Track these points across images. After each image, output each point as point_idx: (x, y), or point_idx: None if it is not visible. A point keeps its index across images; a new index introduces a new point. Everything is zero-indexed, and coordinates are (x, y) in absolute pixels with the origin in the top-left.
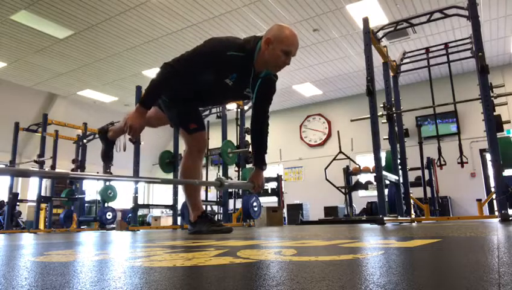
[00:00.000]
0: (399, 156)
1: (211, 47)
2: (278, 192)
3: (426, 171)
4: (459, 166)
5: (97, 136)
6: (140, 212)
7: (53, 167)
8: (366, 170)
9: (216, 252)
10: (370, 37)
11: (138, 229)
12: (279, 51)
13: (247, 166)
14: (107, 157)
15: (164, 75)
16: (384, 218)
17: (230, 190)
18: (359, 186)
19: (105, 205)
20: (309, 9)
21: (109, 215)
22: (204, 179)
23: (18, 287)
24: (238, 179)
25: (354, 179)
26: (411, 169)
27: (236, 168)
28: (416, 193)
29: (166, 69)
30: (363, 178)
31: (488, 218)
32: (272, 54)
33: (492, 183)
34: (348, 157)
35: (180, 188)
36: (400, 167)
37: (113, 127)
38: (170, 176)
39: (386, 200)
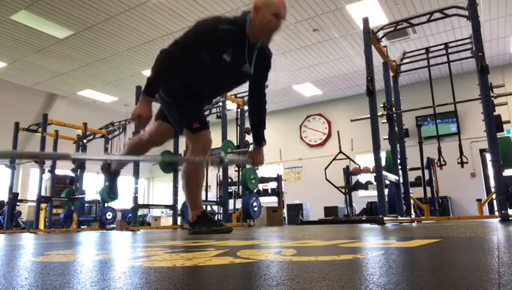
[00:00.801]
0: (399, 156)
1: (204, 25)
2: (278, 192)
3: (426, 171)
4: (459, 166)
5: (101, 169)
6: (140, 212)
7: (53, 166)
8: (366, 170)
9: (216, 252)
10: (370, 37)
11: (138, 229)
12: (269, 15)
13: (247, 166)
14: (113, 191)
15: (163, 61)
16: (384, 218)
17: (230, 190)
18: (359, 186)
19: (105, 205)
20: (309, 9)
21: (109, 215)
22: (204, 179)
23: (18, 287)
24: (238, 180)
25: (354, 179)
26: (411, 169)
27: (236, 168)
28: (416, 193)
29: (163, 54)
30: (363, 178)
31: (488, 218)
32: (262, 19)
33: (492, 183)
34: (348, 157)
35: (180, 188)
36: (400, 167)
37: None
38: (170, 176)
39: (386, 200)
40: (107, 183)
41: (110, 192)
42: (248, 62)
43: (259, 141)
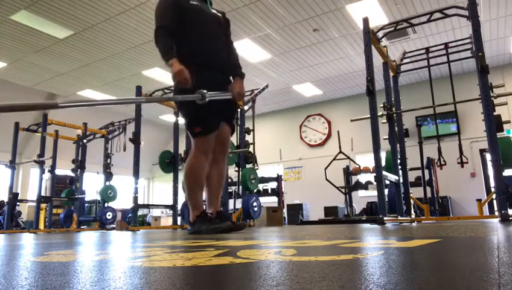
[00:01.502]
0: (399, 156)
1: None
2: (278, 192)
3: (426, 171)
4: (459, 166)
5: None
6: (140, 212)
7: (53, 167)
8: (366, 170)
9: (216, 252)
10: (370, 37)
11: (138, 229)
12: None
13: (247, 166)
14: (228, 226)
15: (160, 35)
16: (384, 218)
17: (230, 190)
18: (359, 186)
19: (105, 205)
20: (309, 9)
21: (109, 215)
22: (205, 180)
23: (18, 287)
24: (238, 180)
25: (354, 179)
26: (411, 169)
27: (236, 168)
28: (416, 193)
29: (157, 33)
30: (363, 178)
31: (488, 218)
32: None
33: (492, 183)
34: (348, 157)
35: (181, 187)
36: (400, 167)
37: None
38: (170, 176)
39: (386, 200)
40: (218, 229)
41: (227, 229)
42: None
43: (238, 72)
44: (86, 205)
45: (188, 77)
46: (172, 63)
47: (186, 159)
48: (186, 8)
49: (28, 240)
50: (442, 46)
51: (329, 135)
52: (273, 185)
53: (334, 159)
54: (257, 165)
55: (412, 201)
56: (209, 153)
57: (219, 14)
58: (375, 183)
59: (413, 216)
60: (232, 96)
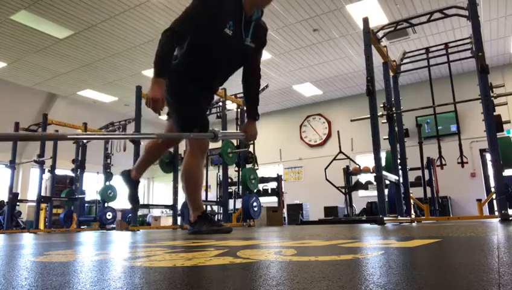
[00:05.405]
0: (399, 156)
1: None
2: (278, 192)
3: (426, 171)
4: (459, 166)
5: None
6: (140, 212)
7: (53, 167)
8: (366, 170)
9: (216, 252)
10: (370, 37)
11: (138, 229)
12: None
13: (247, 166)
14: (135, 200)
15: (166, 41)
16: (384, 218)
17: (230, 190)
18: (359, 186)
19: (105, 205)
20: (309, 9)
21: (109, 215)
22: (204, 179)
23: (18, 287)
24: (238, 180)
25: (354, 179)
26: (411, 169)
27: (236, 168)
28: (416, 193)
29: (166, 33)
30: (363, 178)
31: (488, 218)
32: None
33: (492, 183)
34: (348, 157)
35: (180, 187)
36: (400, 167)
37: (135, 165)
38: (170, 175)
39: (386, 200)
40: (129, 192)
41: (133, 200)
42: (246, 33)
43: (253, 115)
44: (86, 205)
45: (159, 110)
46: (156, 83)
47: (183, 159)
48: (218, 32)
49: (28, 240)
50: (442, 46)
51: (329, 135)
52: (273, 185)
53: (334, 159)
54: (257, 165)
55: (412, 201)
56: (205, 152)
57: (253, 44)
58: (375, 183)
59: (413, 216)
60: (244, 137)
